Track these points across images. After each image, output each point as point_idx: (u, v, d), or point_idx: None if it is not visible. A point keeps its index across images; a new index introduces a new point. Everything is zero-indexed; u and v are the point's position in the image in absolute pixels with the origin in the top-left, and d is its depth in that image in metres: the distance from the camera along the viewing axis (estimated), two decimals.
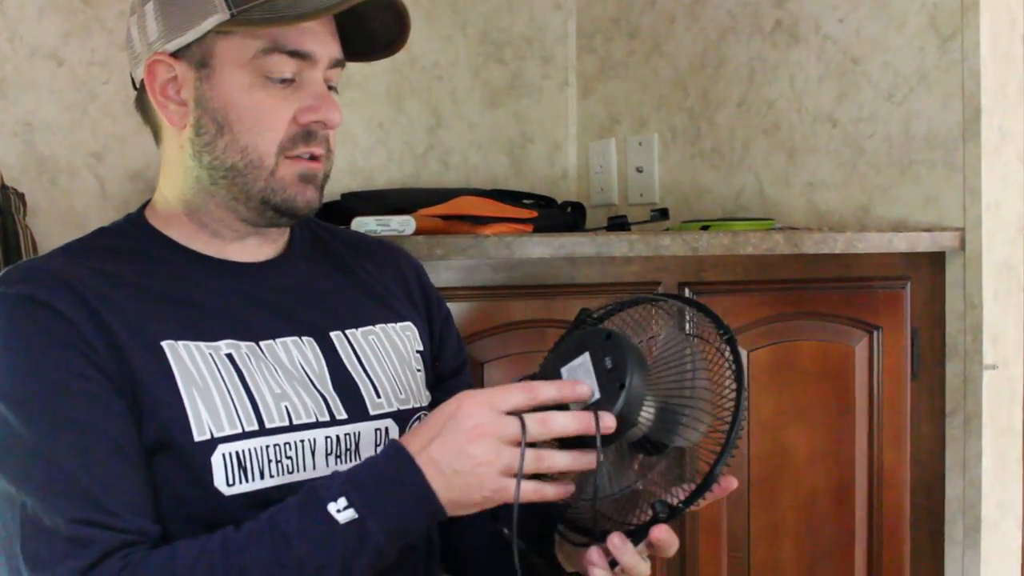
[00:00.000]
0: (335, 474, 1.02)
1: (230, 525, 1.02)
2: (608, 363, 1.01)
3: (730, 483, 1.07)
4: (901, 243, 1.90)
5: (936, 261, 1.96)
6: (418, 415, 1.22)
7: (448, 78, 2.45)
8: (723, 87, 2.33)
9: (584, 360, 1.03)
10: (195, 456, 1.05)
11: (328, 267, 1.26)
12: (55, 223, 1.94)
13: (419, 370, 1.25)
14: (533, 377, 1.06)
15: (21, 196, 1.87)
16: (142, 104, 1.19)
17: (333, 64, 1.16)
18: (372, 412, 1.17)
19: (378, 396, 1.18)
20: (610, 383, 1.01)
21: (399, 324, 1.26)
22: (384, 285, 1.28)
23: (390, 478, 1.00)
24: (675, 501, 1.05)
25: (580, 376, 1.03)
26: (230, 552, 0.99)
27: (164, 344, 1.07)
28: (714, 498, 1.08)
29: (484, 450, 0.98)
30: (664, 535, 1.04)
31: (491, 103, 2.51)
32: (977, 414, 1.94)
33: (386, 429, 1.17)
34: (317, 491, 1.00)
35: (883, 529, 1.90)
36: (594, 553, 1.06)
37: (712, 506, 1.77)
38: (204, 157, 1.13)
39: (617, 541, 1.04)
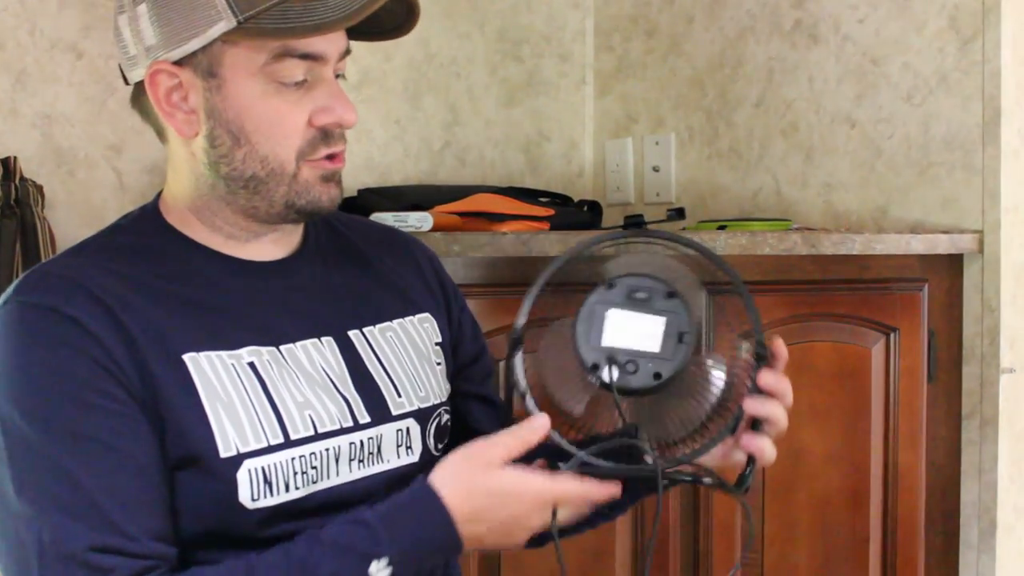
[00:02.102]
0: (373, 521, 1.03)
1: (253, 553, 1.01)
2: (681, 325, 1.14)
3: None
4: (919, 245, 1.89)
5: (954, 263, 1.95)
6: (438, 411, 1.21)
7: (465, 75, 2.45)
8: (741, 87, 2.32)
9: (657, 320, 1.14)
10: (221, 472, 1.03)
11: (344, 262, 1.23)
12: (73, 215, 1.94)
13: (438, 363, 1.25)
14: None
15: (39, 188, 1.87)
16: (140, 104, 1.14)
17: (342, 56, 1.13)
18: (394, 412, 1.16)
19: (399, 395, 1.17)
20: (671, 338, 1.13)
21: (417, 317, 1.25)
22: (402, 276, 1.27)
23: (431, 546, 1.04)
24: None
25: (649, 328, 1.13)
26: None
27: (186, 357, 1.05)
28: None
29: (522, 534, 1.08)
30: (772, 379, 1.13)
31: (508, 101, 2.51)
32: (994, 418, 1.93)
33: (407, 429, 1.16)
34: (356, 542, 1.01)
35: (898, 532, 1.89)
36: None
37: (726, 507, 1.78)
38: (221, 168, 1.10)
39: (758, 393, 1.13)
